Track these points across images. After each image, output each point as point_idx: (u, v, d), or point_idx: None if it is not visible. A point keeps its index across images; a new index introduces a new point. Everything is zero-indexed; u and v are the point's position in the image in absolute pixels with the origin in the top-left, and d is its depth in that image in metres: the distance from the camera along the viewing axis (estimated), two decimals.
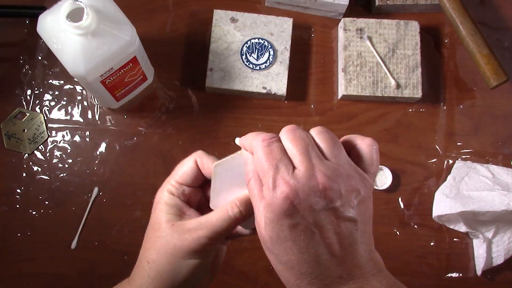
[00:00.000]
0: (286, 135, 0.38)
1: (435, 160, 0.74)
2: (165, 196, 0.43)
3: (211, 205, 0.42)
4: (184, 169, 0.43)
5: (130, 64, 0.62)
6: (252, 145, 0.38)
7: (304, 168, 0.35)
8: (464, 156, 0.74)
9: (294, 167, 0.36)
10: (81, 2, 0.52)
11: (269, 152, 0.37)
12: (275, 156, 0.36)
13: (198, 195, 0.45)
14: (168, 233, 0.41)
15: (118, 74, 0.62)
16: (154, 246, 0.41)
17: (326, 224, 0.35)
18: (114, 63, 0.59)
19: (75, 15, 0.53)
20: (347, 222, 0.36)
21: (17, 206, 0.69)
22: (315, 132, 0.38)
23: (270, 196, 0.35)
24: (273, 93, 0.72)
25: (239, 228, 0.45)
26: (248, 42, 0.73)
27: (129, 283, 0.43)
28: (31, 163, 0.71)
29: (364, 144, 0.39)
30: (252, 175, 0.38)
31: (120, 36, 0.57)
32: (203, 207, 0.44)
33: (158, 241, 0.41)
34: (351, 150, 0.40)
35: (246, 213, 0.41)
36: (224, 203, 0.41)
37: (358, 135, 0.40)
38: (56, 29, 0.55)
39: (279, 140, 0.38)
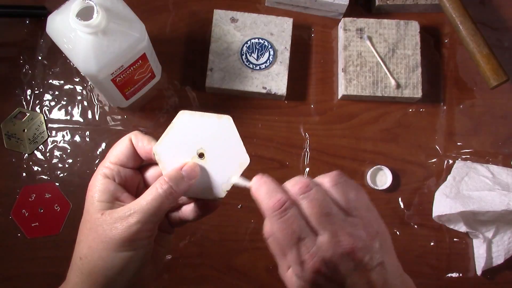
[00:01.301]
0: (302, 198, 0.35)
1: (435, 160, 0.74)
2: (98, 181, 0.39)
3: None
4: (118, 148, 0.40)
5: (140, 61, 0.62)
6: (265, 212, 0.36)
7: (327, 234, 0.34)
8: (464, 156, 0.74)
9: (316, 233, 0.34)
10: (91, 0, 0.53)
11: (287, 225, 0.34)
12: (295, 229, 0.34)
13: (136, 178, 0.42)
14: (98, 224, 0.37)
15: (128, 72, 0.62)
16: (85, 240, 0.38)
17: (358, 281, 0.35)
18: (124, 60, 0.59)
19: (84, 14, 0.53)
20: (377, 268, 0.35)
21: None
22: (330, 184, 0.36)
23: (299, 270, 0.34)
24: (273, 93, 0.72)
25: (185, 212, 0.42)
26: (248, 42, 0.73)
27: (65, 283, 0.40)
28: (31, 163, 0.71)
29: (333, 180, 0.37)
30: (269, 235, 0.36)
31: (129, 33, 0.57)
32: (142, 192, 0.40)
33: (89, 234, 0.38)
34: None
35: (178, 187, 0.38)
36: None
37: (323, 176, 0.38)
38: (66, 29, 0.55)
39: (293, 204, 0.35)
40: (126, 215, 0.37)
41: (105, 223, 0.37)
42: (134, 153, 0.41)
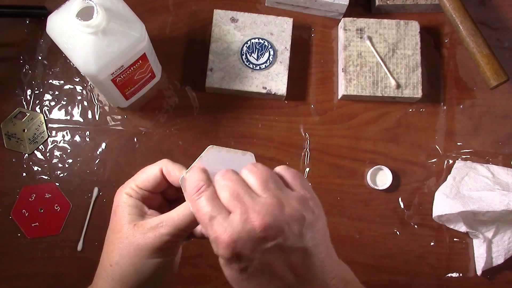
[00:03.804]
0: (218, 181, 0.37)
1: (435, 160, 0.74)
2: (125, 197, 0.42)
3: None
4: (146, 176, 0.43)
5: (140, 61, 0.62)
6: (187, 197, 0.38)
7: (238, 212, 0.35)
8: (464, 156, 0.74)
9: (229, 213, 0.36)
10: (91, 0, 0.53)
11: (201, 206, 0.36)
12: (208, 206, 0.36)
13: (158, 199, 0.45)
14: (130, 234, 0.40)
15: (128, 72, 0.62)
16: (116, 248, 0.41)
17: (274, 261, 0.36)
18: (124, 60, 0.59)
19: (84, 14, 0.53)
20: (297, 252, 0.36)
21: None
22: (246, 169, 0.38)
23: (214, 246, 0.36)
24: (273, 93, 0.72)
25: (202, 229, 0.45)
26: (248, 42, 0.73)
27: None
28: (31, 163, 0.71)
29: (279, 168, 0.39)
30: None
31: (130, 33, 0.57)
32: (165, 209, 0.44)
33: (121, 242, 0.41)
34: None
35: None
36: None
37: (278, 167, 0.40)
38: (66, 29, 0.55)
39: (208, 186, 0.37)
40: (158, 226, 0.40)
41: (138, 232, 0.40)
42: (161, 181, 0.43)
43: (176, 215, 0.40)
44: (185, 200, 0.41)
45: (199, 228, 0.45)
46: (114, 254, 0.41)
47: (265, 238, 0.35)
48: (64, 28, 0.56)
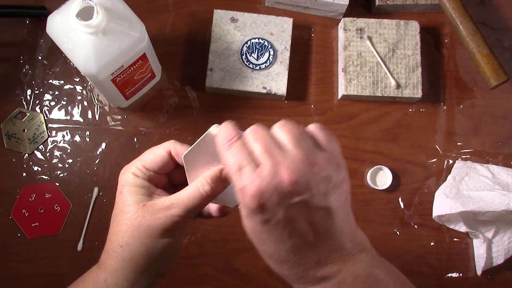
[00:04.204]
0: (250, 135, 0.38)
1: (435, 160, 0.74)
2: (131, 177, 0.43)
3: None
4: (153, 157, 0.43)
5: (140, 61, 0.62)
6: (218, 146, 0.39)
7: (268, 166, 0.35)
8: (464, 156, 0.74)
9: (258, 165, 0.36)
10: (91, 0, 0.53)
11: (232, 153, 0.37)
12: (238, 157, 0.36)
13: (163, 181, 0.45)
14: (140, 215, 0.41)
15: (128, 72, 0.62)
16: (126, 229, 0.41)
17: (297, 216, 0.36)
18: (124, 60, 0.59)
19: (84, 14, 0.53)
20: (320, 211, 0.36)
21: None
22: (278, 126, 0.38)
23: (240, 196, 0.36)
24: (273, 93, 0.72)
25: (211, 209, 0.45)
26: (248, 42, 0.73)
27: (100, 269, 0.43)
28: (31, 163, 0.71)
29: (312, 126, 0.39)
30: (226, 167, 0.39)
31: (130, 33, 0.57)
32: (168, 191, 0.44)
33: (130, 223, 0.41)
34: None
35: (217, 189, 0.41)
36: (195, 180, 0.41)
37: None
38: (66, 29, 0.55)
39: (239, 138, 0.38)
40: (168, 207, 0.40)
41: (148, 213, 0.41)
42: (168, 162, 0.44)
43: (186, 197, 0.41)
44: (187, 184, 0.41)
45: (206, 208, 0.45)
46: (124, 234, 0.41)
47: (292, 193, 0.35)
48: (64, 28, 0.56)
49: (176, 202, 0.41)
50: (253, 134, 0.37)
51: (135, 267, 0.42)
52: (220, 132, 0.38)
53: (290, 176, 0.35)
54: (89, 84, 0.73)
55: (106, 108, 0.73)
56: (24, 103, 0.72)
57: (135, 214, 0.41)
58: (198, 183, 0.41)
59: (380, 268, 0.39)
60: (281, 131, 0.37)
